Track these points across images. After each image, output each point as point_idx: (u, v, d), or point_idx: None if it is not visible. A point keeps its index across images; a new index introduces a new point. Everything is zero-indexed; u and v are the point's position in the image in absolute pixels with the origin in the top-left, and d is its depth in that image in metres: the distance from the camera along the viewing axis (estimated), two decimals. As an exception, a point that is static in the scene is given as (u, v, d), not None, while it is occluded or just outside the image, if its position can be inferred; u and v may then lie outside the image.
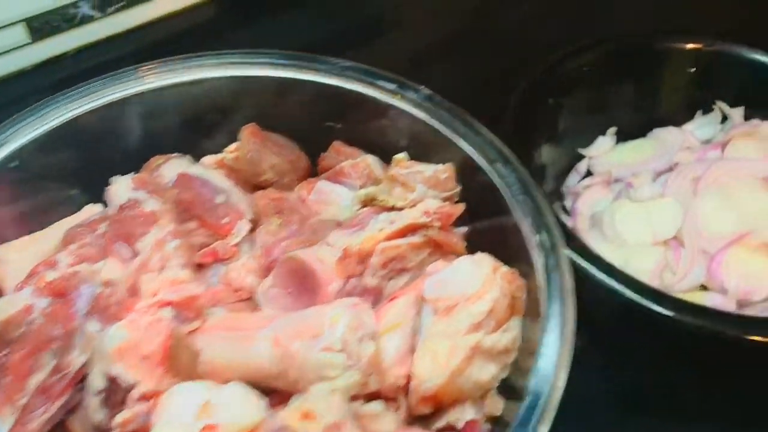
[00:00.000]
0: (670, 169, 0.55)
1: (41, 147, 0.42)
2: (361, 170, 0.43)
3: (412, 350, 0.37)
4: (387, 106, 0.42)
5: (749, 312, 0.49)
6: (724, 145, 0.56)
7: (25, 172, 0.42)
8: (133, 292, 0.35)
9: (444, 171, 0.40)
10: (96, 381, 0.32)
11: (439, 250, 0.40)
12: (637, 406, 0.47)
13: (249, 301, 0.40)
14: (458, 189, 0.41)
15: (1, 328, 0.34)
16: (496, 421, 0.37)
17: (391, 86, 0.42)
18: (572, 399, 0.39)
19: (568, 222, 0.54)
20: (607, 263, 0.45)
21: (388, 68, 0.70)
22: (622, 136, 0.59)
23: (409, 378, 0.37)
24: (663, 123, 0.60)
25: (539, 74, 0.52)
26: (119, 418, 0.33)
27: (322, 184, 0.43)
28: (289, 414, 0.33)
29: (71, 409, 0.35)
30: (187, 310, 0.35)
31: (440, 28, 0.76)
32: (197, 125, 0.47)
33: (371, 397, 0.36)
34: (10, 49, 0.62)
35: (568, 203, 0.56)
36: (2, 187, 0.42)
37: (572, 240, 0.47)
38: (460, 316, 0.37)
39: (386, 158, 0.45)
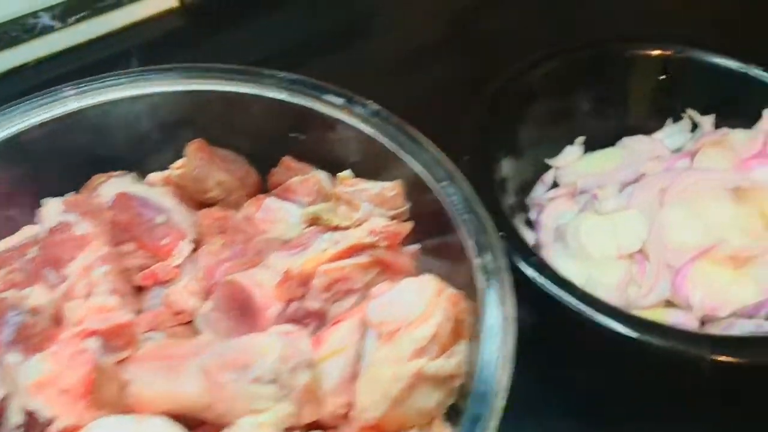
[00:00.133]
0: (638, 180, 0.54)
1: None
2: (311, 187, 0.41)
3: (355, 377, 0.36)
4: (335, 121, 0.40)
5: (714, 328, 0.47)
6: (693, 155, 0.54)
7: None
8: (58, 320, 0.33)
9: (391, 188, 0.38)
10: (14, 416, 0.31)
11: (388, 270, 0.38)
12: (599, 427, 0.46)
13: (190, 324, 0.39)
14: (407, 207, 0.39)
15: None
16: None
17: (339, 101, 0.40)
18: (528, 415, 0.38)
19: (532, 235, 0.52)
20: (565, 280, 0.44)
21: (367, 74, 0.71)
22: (593, 146, 0.57)
23: (350, 406, 0.35)
24: (633, 131, 0.58)
25: (500, 85, 0.51)
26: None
27: (270, 202, 0.42)
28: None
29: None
30: (116, 338, 0.33)
31: (421, 33, 0.74)
32: (146, 141, 0.45)
33: (310, 427, 0.34)
34: (-32, 62, 0.61)
35: (533, 215, 0.55)
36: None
37: (530, 256, 0.45)
38: (403, 341, 0.35)
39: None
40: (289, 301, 0.36)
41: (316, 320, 0.37)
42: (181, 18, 0.69)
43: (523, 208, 0.55)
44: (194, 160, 0.41)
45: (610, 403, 0.45)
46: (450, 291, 0.36)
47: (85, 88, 0.41)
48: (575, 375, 0.46)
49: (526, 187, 0.56)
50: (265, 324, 0.35)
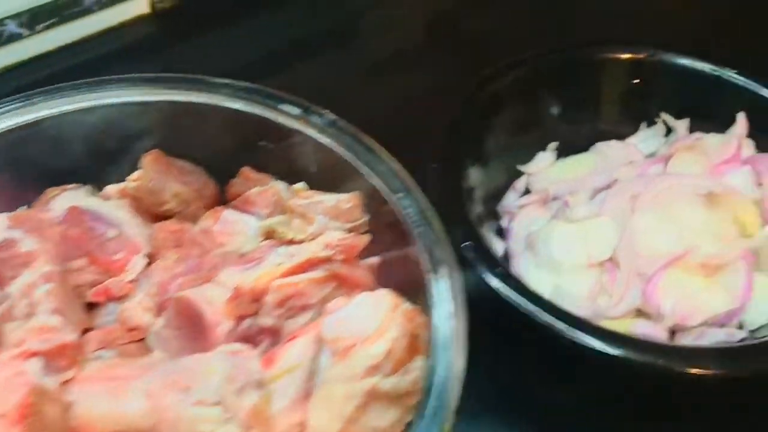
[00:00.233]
0: (611, 186, 0.52)
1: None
2: (269, 198, 0.40)
3: (308, 395, 0.34)
4: (292, 132, 0.39)
5: (685, 338, 0.46)
6: (667, 159, 0.53)
7: None
8: (-1, 342, 0.32)
9: (348, 200, 0.37)
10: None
11: (345, 284, 0.37)
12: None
13: (143, 342, 0.38)
14: (365, 219, 0.38)
15: None
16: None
17: (295, 110, 0.39)
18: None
19: (502, 244, 0.51)
20: (530, 290, 0.43)
21: (350, 78, 0.70)
22: (567, 151, 0.56)
23: (303, 426, 0.34)
24: (608, 136, 0.56)
25: (468, 94, 0.50)
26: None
27: (227, 214, 0.40)
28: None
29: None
30: (59, 359, 0.32)
31: (408, 34, 0.73)
32: (103, 153, 0.44)
33: (261, 448, 0.33)
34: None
35: (504, 223, 0.53)
36: None
37: (495, 266, 0.44)
38: (357, 357, 0.34)
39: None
40: (241, 318, 0.35)
41: (270, 337, 0.36)
42: (152, 25, 0.67)
43: (495, 216, 0.54)
44: (150, 172, 0.40)
45: (577, 416, 0.44)
46: (406, 306, 0.34)
47: (38, 99, 0.40)
48: (542, 387, 0.45)
49: (497, 195, 0.54)
50: (215, 342, 0.34)
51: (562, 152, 0.56)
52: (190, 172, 0.42)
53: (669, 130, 0.55)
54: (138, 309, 0.38)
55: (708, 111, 0.54)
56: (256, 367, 0.32)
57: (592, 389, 0.43)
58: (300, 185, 0.39)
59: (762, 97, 0.53)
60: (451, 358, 0.30)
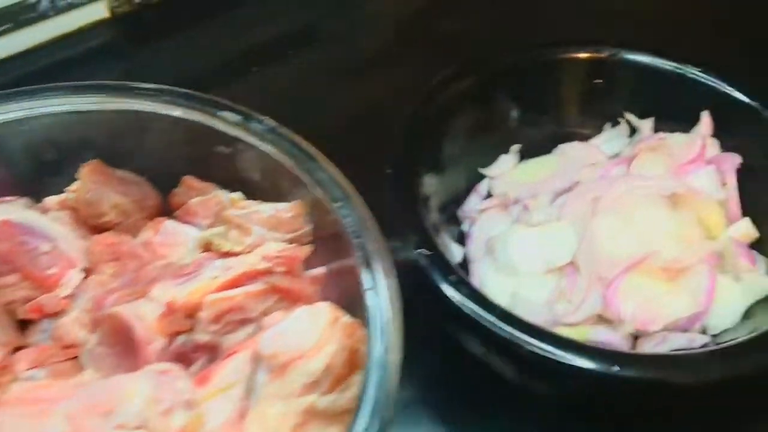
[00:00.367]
0: (572, 188, 0.51)
1: None
2: (211, 208, 0.38)
3: (244, 414, 0.33)
4: (233, 139, 0.38)
5: (647, 343, 0.45)
6: (630, 160, 0.52)
7: None
8: None
9: (288, 210, 0.35)
10: None
11: (287, 297, 0.36)
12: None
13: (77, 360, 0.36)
14: (308, 229, 0.37)
15: None
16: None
17: (235, 117, 0.37)
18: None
19: (461, 250, 0.49)
20: (484, 298, 0.41)
21: (319, 81, 0.69)
22: (532, 154, 0.54)
23: (238, 446, 0.33)
24: (572, 138, 0.55)
25: (423, 99, 0.48)
26: None
27: (168, 224, 0.39)
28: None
29: None
30: (-21, 381, 0.31)
31: (377, 36, 0.71)
32: (44, 164, 0.42)
33: (194, 470, 0.32)
34: None
35: (465, 228, 0.52)
36: None
37: (449, 274, 0.43)
38: (294, 374, 0.32)
39: (244, 194, 0.41)
40: (175, 334, 0.34)
41: (207, 354, 0.34)
42: (111, 29, 0.66)
43: (457, 221, 0.53)
44: (87, 183, 0.38)
45: (535, 427, 0.42)
46: (345, 319, 0.33)
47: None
48: (498, 397, 0.43)
49: (459, 199, 0.53)
50: (146, 361, 0.32)
51: (526, 154, 0.55)
52: (131, 182, 0.40)
53: (633, 130, 0.54)
54: (73, 326, 0.36)
55: (672, 110, 0.53)
56: (185, 386, 0.30)
57: (551, 399, 0.42)
58: (237, 195, 0.38)
59: (726, 94, 0.51)
60: (385, 374, 0.28)
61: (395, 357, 0.29)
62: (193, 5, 0.69)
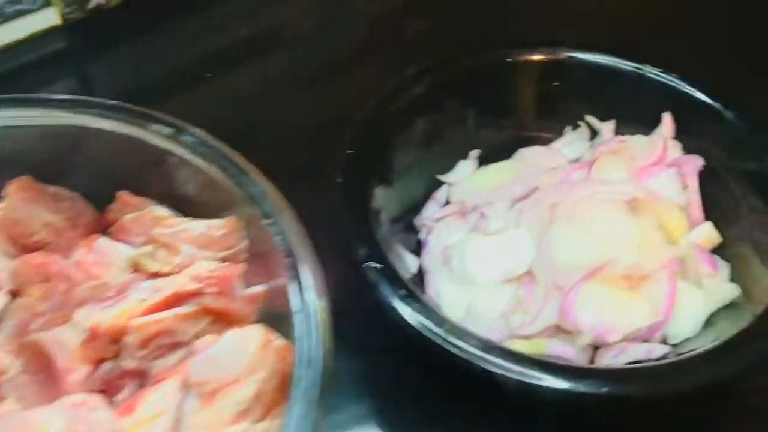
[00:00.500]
0: (531, 195, 0.49)
1: None
2: (146, 224, 0.36)
3: (173, 444, 0.32)
4: (165, 152, 0.36)
5: (605, 355, 0.43)
6: (591, 164, 0.50)
7: None
8: None
9: (220, 227, 0.34)
10: None
11: (223, 319, 0.34)
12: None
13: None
14: (243, 245, 0.35)
15: None
16: None
17: (166, 130, 0.36)
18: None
19: (415, 261, 0.48)
20: (433, 312, 0.39)
21: (284, 85, 0.67)
22: (491, 159, 0.52)
23: (165, 479, 0.31)
24: (533, 142, 0.53)
25: (373, 107, 0.46)
26: None
27: (102, 243, 0.37)
28: None
29: None
30: None
31: (344, 38, 0.69)
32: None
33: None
34: None
35: (423, 237, 0.50)
36: None
37: (399, 287, 0.41)
38: (223, 402, 0.30)
39: (183, 209, 0.40)
40: (100, 361, 0.32)
41: (136, 380, 0.32)
42: (63, 37, 0.64)
43: (414, 230, 0.51)
44: (14, 200, 0.37)
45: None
46: (278, 343, 0.31)
47: None
48: (452, 412, 0.42)
49: (418, 207, 0.52)
50: (67, 391, 0.31)
51: (486, 160, 0.53)
52: (64, 198, 0.38)
53: (595, 133, 0.53)
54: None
55: (633, 112, 0.51)
56: (105, 417, 0.29)
57: (506, 415, 0.41)
58: (164, 211, 0.36)
59: (688, 95, 0.49)
60: (309, 403, 0.26)
61: (322, 383, 0.27)
62: (151, 10, 0.68)
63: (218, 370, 0.31)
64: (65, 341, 0.31)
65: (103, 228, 0.39)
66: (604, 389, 0.36)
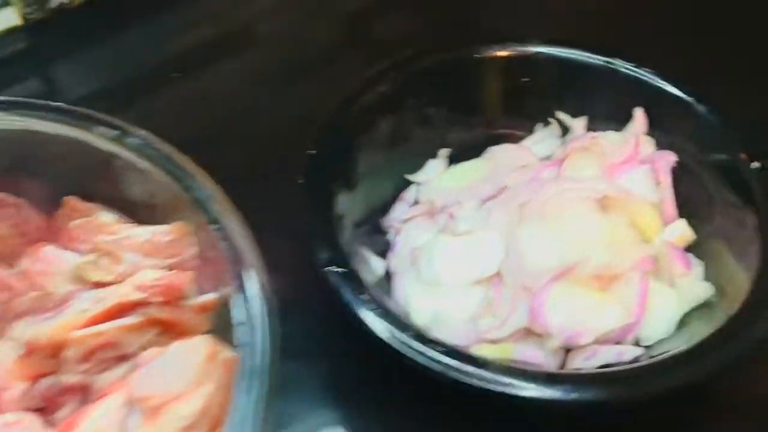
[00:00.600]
0: (499, 194, 0.48)
1: None
2: (91, 231, 0.35)
3: (115, 464, 0.30)
4: (111, 155, 0.34)
5: (576, 358, 0.42)
6: (562, 162, 0.49)
7: None
8: None
9: (167, 233, 0.32)
10: None
11: (171, 330, 0.32)
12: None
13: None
14: (192, 252, 0.33)
15: None
16: None
17: (111, 132, 0.34)
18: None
19: (382, 263, 0.46)
20: (397, 317, 0.38)
21: (255, 85, 0.65)
22: (462, 158, 0.51)
23: (106, 501, 0.29)
24: (505, 140, 0.52)
25: (335, 109, 0.44)
26: None
27: (48, 251, 0.35)
28: None
29: None
30: None
31: (312, 38, 0.68)
32: None
33: None
34: None
35: (391, 238, 0.49)
36: None
37: (361, 292, 0.39)
38: (167, 418, 0.29)
39: (133, 215, 0.38)
40: (39, 376, 0.30)
41: (79, 396, 0.31)
42: (24, 38, 0.61)
43: (382, 231, 0.49)
44: (-47, 209, 0.35)
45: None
46: (226, 354, 0.30)
47: None
48: (414, 420, 0.40)
49: (387, 208, 0.50)
50: (3, 409, 0.29)
51: (457, 159, 0.51)
52: (8, 205, 0.36)
53: (566, 130, 0.51)
54: (-63, 368, 0.33)
55: (605, 108, 0.50)
56: (39, 438, 0.27)
57: (472, 424, 0.39)
58: (108, 217, 0.34)
59: (660, 89, 0.48)
60: (250, 418, 0.25)
61: (266, 398, 0.25)
62: (116, 9, 0.66)
63: (162, 384, 0.29)
64: (0, 357, 0.30)
65: (52, 235, 0.37)
66: (573, 395, 0.35)
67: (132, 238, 0.32)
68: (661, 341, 0.42)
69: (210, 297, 0.33)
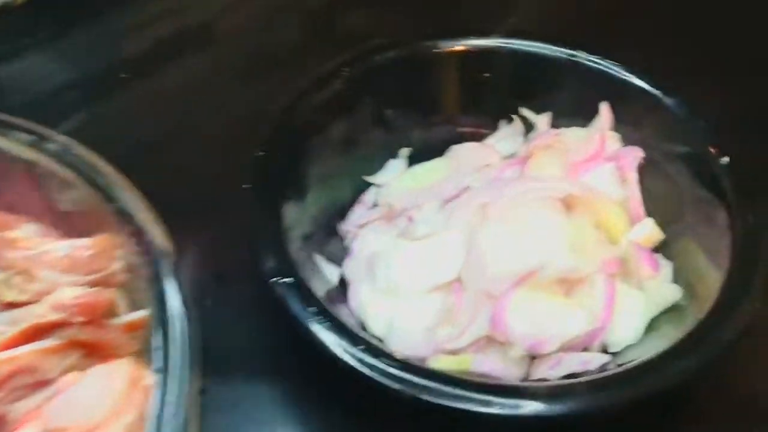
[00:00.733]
0: (461, 195, 0.46)
1: None
2: (3, 247, 0.32)
3: (30, 501, 0.27)
4: (31, 163, 0.31)
5: (541, 367, 0.39)
6: (525, 160, 0.47)
7: None
8: None
9: (88, 247, 0.29)
10: None
11: (95, 351, 0.30)
12: None
13: None
14: (117, 266, 0.31)
15: None
16: None
17: (27, 138, 0.31)
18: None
19: (336, 271, 0.43)
20: (347, 329, 0.35)
21: (211, 85, 0.62)
22: (424, 158, 0.48)
23: None
24: (469, 138, 0.49)
25: (285, 109, 0.42)
26: None
27: (-36, 268, 0.33)
28: None
29: None
30: None
31: (275, 35, 0.65)
32: None
33: None
34: None
35: (348, 244, 0.46)
36: None
37: (309, 305, 0.37)
38: (85, 451, 0.27)
39: (60, 227, 0.35)
40: (-54, 407, 0.28)
41: (-8, 426, 0.28)
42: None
43: (339, 236, 0.47)
44: None
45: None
46: (149, 380, 0.27)
47: None
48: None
49: (344, 211, 0.48)
50: None
51: (419, 159, 0.49)
52: None
53: (531, 127, 0.49)
54: None
55: (570, 103, 0.47)
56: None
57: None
58: (19, 232, 0.31)
59: (626, 82, 0.45)
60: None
61: (183, 428, 0.23)
62: (63, 8, 0.62)
63: (80, 413, 0.26)
64: None
65: (-27, 250, 0.35)
66: (534, 410, 0.33)
67: (49, 254, 0.29)
68: (629, 347, 0.39)
69: (139, 315, 0.30)
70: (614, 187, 0.44)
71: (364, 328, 0.40)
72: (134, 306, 0.31)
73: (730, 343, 0.37)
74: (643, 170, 0.44)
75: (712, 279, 0.39)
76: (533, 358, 0.39)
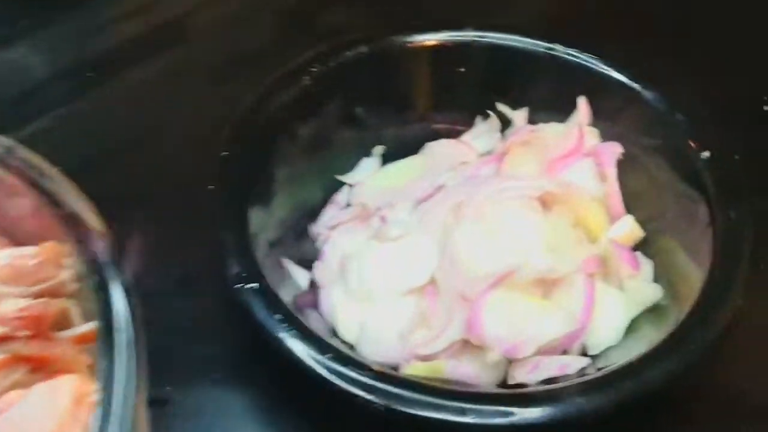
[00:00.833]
0: (435, 194, 0.44)
1: None
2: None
3: None
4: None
5: (518, 371, 0.38)
6: (502, 157, 0.45)
7: None
8: None
9: (32, 256, 0.27)
10: None
11: (45, 366, 0.28)
12: None
13: None
14: (67, 275, 0.29)
15: None
16: None
17: (-31, 141, 0.30)
18: None
19: (306, 275, 0.42)
20: (314, 337, 0.33)
21: (183, 84, 0.59)
22: (399, 156, 0.47)
23: None
24: (445, 135, 0.48)
25: (251, 106, 0.40)
26: None
27: None
28: None
29: None
30: None
31: (253, 31, 0.63)
32: None
33: None
34: None
35: (319, 246, 0.45)
36: None
37: (275, 311, 0.35)
38: (27, 475, 0.25)
39: (15, 236, 0.33)
40: None
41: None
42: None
43: (310, 238, 0.45)
44: None
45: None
46: (96, 397, 0.26)
47: None
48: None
49: (316, 212, 0.46)
50: None
51: (394, 157, 0.47)
52: None
53: (507, 123, 0.48)
54: None
55: (548, 97, 0.46)
56: None
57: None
58: None
59: (604, 76, 0.44)
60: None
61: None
62: (28, 6, 0.61)
63: (22, 433, 0.25)
64: None
65: None
66: (508, 417, 0.32)
67: (-11, 263, 0.27)
68: (609, 349, 0.38)
69: (90, 326, 0.29)
70: (593, 183, 0.42)
71: (334, 334, 0.38)
72: (88, 317, 0.29)
73: (712, 343, 0.35)
74: (623, 166, 0.43)
75: (694, 277, 0.38)
76: (510, 362, 0.38)
